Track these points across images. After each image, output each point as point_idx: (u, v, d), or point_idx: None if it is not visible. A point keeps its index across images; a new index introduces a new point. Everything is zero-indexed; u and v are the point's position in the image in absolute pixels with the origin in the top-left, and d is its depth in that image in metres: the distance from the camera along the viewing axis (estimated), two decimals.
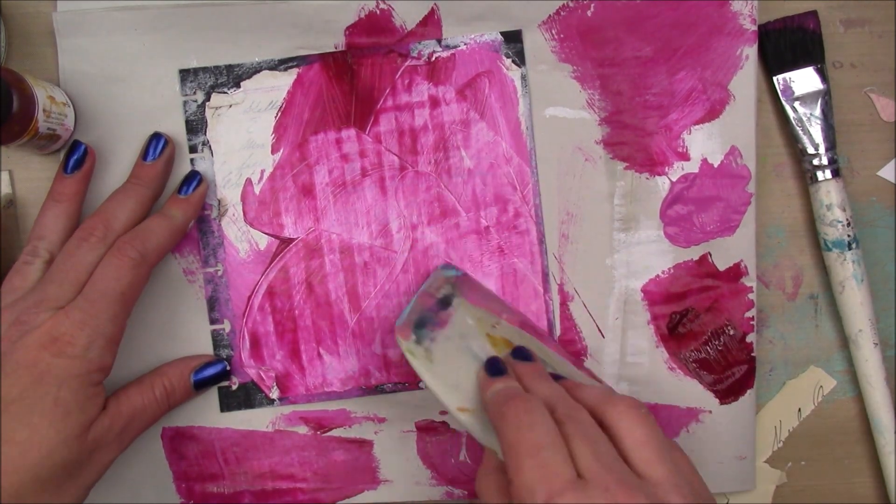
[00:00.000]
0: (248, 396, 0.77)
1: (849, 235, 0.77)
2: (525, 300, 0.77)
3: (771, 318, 0.81)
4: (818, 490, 0.81)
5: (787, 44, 0.78)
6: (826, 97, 0.78)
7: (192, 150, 0.76)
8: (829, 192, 0.77)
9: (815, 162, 0.78)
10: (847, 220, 0.78)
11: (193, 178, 0.74)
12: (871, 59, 0.80)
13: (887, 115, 0.80)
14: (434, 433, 0.78)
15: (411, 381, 0.77)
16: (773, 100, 0.80)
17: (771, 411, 0.80)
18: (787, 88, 0.78)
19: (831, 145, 0.78)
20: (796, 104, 0.78)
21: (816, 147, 0.78)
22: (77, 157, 0.72)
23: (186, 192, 0.73)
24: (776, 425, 0.80)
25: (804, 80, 0.78)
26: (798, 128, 0.78)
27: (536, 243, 0.77)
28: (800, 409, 0.81)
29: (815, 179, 0.78)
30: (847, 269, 0.78)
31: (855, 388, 0.81)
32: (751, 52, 0.77)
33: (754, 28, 0.76)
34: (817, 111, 0.78)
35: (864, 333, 0.78)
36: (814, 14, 0.79)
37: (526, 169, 0.77)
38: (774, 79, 0.79)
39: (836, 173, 0.78)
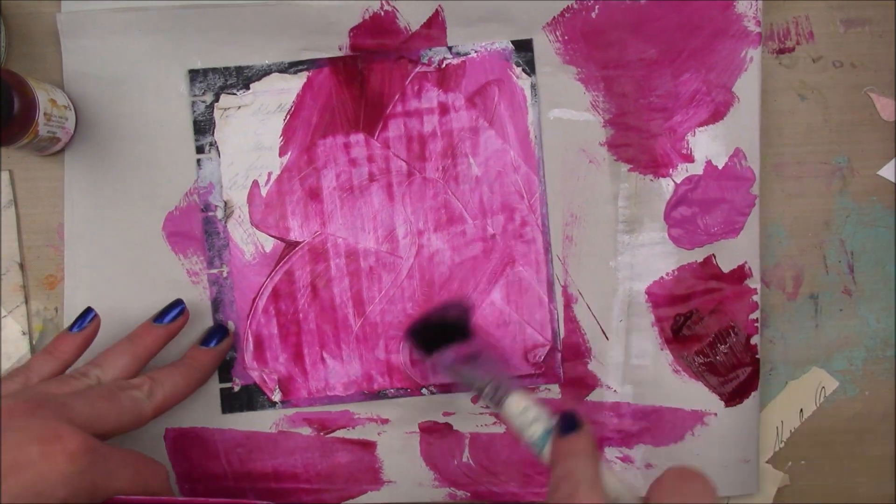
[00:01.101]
0: (250, 398, 0.78)
1: None
2: (530, 309, 0.79)
3: (771, 318, 0.82)
4: (818, 490, 0.83)
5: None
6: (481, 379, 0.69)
7: (200, 150, 0.78)
8: (518, 400, 0.66)
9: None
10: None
11: (218, 332, 0.77)
12: (871, 59, 0.81)
13: (887, 115, 0.82)
14: (437, 434, 0.79)
15: (413, 387, 0.79)
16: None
17: (773, 412, 0.82)
18: (443, 363, 0.73)
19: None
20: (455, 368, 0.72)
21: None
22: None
23: (209, 345, 0.76)
24: (778, 426, 0.82)
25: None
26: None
27: (542, 252, 0.78)
28: (801, 410, 0.82)
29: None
30: None
31: (855, 388, 0.82)
32: (755, 54, 0.78)
33: (758, 30, 0.78)
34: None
35: None
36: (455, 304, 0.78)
37: (534, 178, 0.78)
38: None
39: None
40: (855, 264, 0.82)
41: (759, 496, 0.82)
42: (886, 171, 0.81)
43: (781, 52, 0.81)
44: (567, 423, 0.61)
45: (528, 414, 0.64)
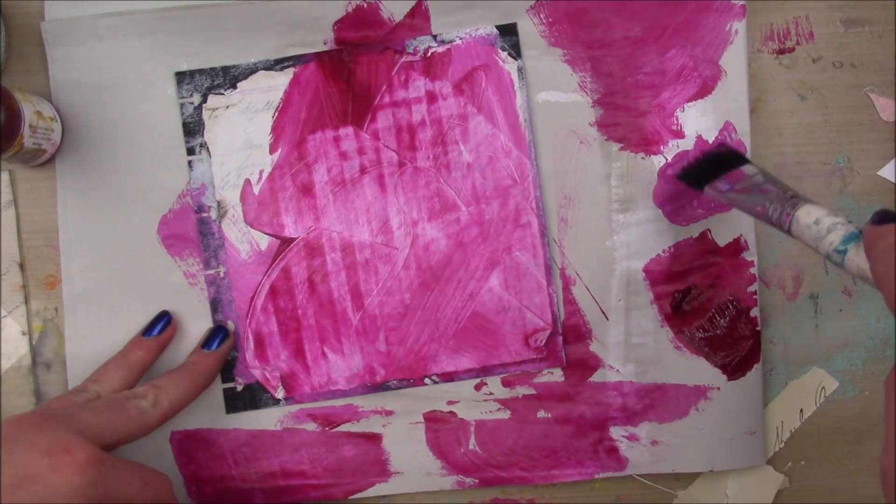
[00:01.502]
0: (253, 397, 0.79)
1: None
2: (528, 294, 0.80)
3: (771, 318, 0.82)
4: (818, 490, 0.83)
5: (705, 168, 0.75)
6: (756, 180, 0.70)
7: (190, 152, 0.78)
8: (809, 212, 0.63)
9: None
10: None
11: (218, 333, 0.78)
12: (871, 59, 0.82)
13: (887, 115, 0.82)
14: (442, 423, 0.80)
15: (416, 378, 0.80)
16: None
17: (773, 412, 0.83)
18: (719, 192, 0.72)
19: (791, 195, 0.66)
20: (732, 195, 0.71)
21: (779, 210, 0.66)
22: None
23: (210, 348, 0.77)
24: (778, 426, 0.83)
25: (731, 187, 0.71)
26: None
27: (538, 236, 0.79)
28: (802, 410, 0.82)
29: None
30: None
31: (855, 388, 0.83)
32: (740, 26, 0.79)
33: (742, 2, 0.79)
34: (758, 194, 0.69)
35: None
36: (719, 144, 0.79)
37: (525, 161, 0.79)
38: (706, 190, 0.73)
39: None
40: None
41: (759, 497, 0.83)
42: (886, 172, 0.82)
43: (781, 52, 0.82)
44: (881, 216, 0.57)
45: (823, 223, 0.61)
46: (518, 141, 0.79)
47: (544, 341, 0.80)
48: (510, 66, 0.79)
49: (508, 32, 0.79)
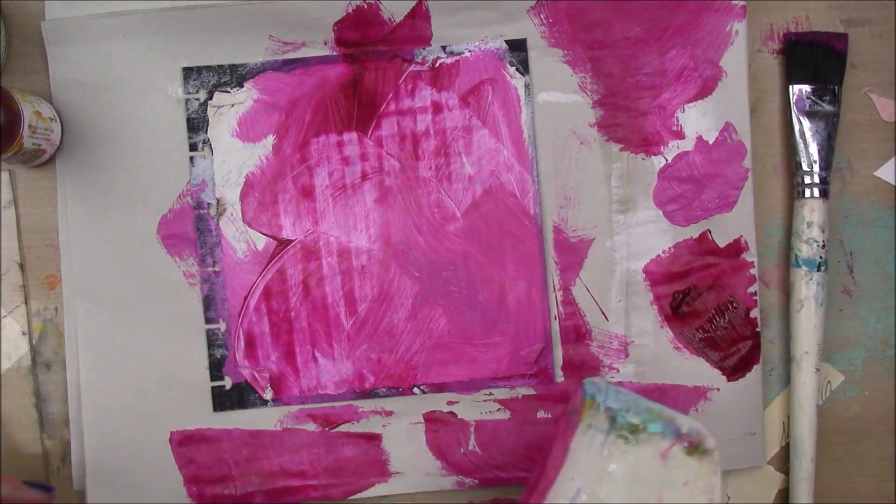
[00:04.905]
0: (241, 397, 0.82)
1: (821, 257, 0.82)
2: (522, 308, 0.83)
3: (771, 317, 0.85)
4: (818, 490, 0.85)
5: (812, 58, 0.83)
6: (835, 119, 0.82)
7: (193, 148, 0.82)
8: (813, 210, 0.82)
9: (807, 179, 0.82)
10: (823, 241, 0.82)
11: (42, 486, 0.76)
12: (871, 59, 0.85)
13: (887, 115, 0.85)
14: (442, 423, 0.83)
15: (405, 386, 0.83)
16: (784, 106, 0.85)
17: (773, 412, 0.86)
18: (801, 100, 0.83)
19: (826, 166, 0.82)
20: (804, 118, 0.83)
21: (812, 164, 0.82)
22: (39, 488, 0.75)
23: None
24: (784, 421, 0.86)
25: (820, 97, 0.82)
26: (800, 140, 0.82)
27: (536, 252, 0.83)
28: None
29: (801, 195, 0.83)
30: (811, 289, 0.82)
31: (855, 388, 0.86)
32: (740, 27, 0.82)
33: (743, 3, 0.82)
34: (823, 130, 0.82)
35: (810, 356, 0.82)
36: (844, 36, 0.83)
37: (527, 177, 0.83)
38: (791, 87, 0.83)
39: (823, 194, 0.82)
40: (855, 264, 0.85)
41: (760, 497, 0.86)
42: (886, 172, 0.85)
43: (782, 52, 0.85)
44: None
45: None
46: (521, 156, 0.83)
47: (535, 356, 0.83)
48: (517, 81, 0.82)
49: (518, 48, 0.82)
